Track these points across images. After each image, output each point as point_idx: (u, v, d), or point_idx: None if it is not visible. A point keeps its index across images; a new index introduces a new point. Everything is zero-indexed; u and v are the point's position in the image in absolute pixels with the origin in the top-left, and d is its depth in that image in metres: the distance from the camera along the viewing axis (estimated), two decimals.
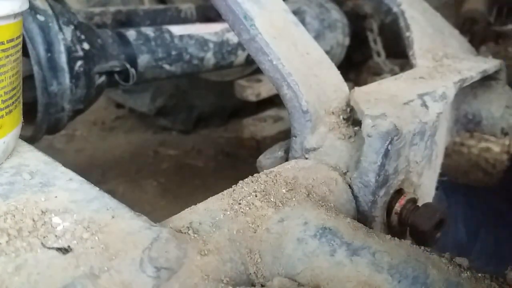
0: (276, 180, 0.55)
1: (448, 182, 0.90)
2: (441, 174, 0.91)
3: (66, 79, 0.93)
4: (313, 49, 0.72)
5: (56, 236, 0.39)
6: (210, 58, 1.33)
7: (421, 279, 0.41)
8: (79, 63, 0.95)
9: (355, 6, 1.71)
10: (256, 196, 0.51)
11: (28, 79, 0.88)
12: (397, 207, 0.63)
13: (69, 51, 0.93)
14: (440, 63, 0.85)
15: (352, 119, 0.68)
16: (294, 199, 0.52)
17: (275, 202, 0.51)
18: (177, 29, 1.27)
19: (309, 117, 0.64)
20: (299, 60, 0.67)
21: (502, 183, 1.11)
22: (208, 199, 0.51)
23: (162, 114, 2.11)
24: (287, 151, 0.69)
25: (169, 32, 1.25)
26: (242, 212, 0.49)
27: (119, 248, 0.39)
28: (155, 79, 1.27)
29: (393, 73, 1.56)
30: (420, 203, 0.65)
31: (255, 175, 0.57)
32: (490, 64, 0.87)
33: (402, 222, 0.63)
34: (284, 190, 0.53)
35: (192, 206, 0.50)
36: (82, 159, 1.96)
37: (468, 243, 0.86)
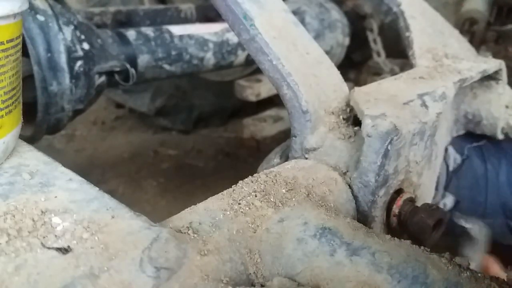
0: (276, 180, 0.55)
1: (489, 145, 0.89)
2: (478, 139, 0.90)
3: (66, 79, 0.93)
4: (313, 49, 0.71)
5: (56, 236, 0.39)
6: (210, 58, 1.33)
7: (421, 279, 0.41)
8: (79, 63, 0.95)
9: (355, 6, 1.72)
10: (256, 196, 0.51)
11: (28, 79, 0.88)
12: (395, 208, 0.63)
13: (69, 51, 0.93)
14: (440, 63, 0.84)
15: (352, 119, 0.68)
16: (294, 199, 0.52)
17: (275, 202, 0.51)
18: (177, 29, 1.27)
19: (309, 117, 0.64)
20: (298, 60, 0.67)
21: None
22: (208, 199, 0.51)
23: (162, 114, 2.11)
24: (282, 156, 0.69)
25: (169, 32, 1.25)
26: (242, 212, 0.49)
27: (119, 248, 0.39)
28: (155, 79, 1.27)
29: (393, 73, 1.56)
30: (419, 203, 0.64)
31: (255, 175, 0.57)
32: (490, 64, 0.86)
33: (401, 223, 0.63)
34: (284, 190, 0.53)
35: (192, 206, 0.50)
36: (82, 159, 1.96)
37: None
